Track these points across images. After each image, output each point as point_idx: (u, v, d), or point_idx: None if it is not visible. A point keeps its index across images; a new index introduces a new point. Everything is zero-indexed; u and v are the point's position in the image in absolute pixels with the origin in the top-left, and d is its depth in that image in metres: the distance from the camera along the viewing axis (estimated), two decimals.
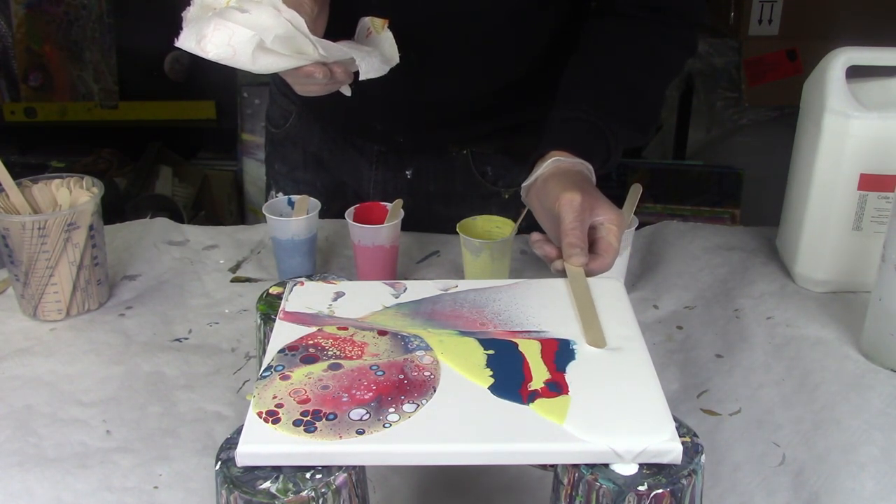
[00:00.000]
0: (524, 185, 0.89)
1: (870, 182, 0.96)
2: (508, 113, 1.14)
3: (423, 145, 1.17)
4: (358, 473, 0.59)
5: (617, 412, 0.60)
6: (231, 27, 0.78)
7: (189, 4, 0.83)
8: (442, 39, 1.01)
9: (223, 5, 0.80)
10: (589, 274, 0.79)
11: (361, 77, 0.86)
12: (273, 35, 0.79)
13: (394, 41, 0.90)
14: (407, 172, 1.19)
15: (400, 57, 0.91)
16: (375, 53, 0.88)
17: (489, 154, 1.18)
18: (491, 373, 0.64)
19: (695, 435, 0.60)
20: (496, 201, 1.20)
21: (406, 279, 1.06)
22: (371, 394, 0.62)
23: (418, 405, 0.61)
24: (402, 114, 1.12)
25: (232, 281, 1.10)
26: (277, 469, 0.57)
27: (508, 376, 0.64)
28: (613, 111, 0.95)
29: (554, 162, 0.87)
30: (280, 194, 1.26)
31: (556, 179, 0.85)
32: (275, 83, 1.27)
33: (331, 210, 1.14)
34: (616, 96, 0.96)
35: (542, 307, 0.73)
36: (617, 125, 0.94)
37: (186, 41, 0.79)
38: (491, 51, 1.05)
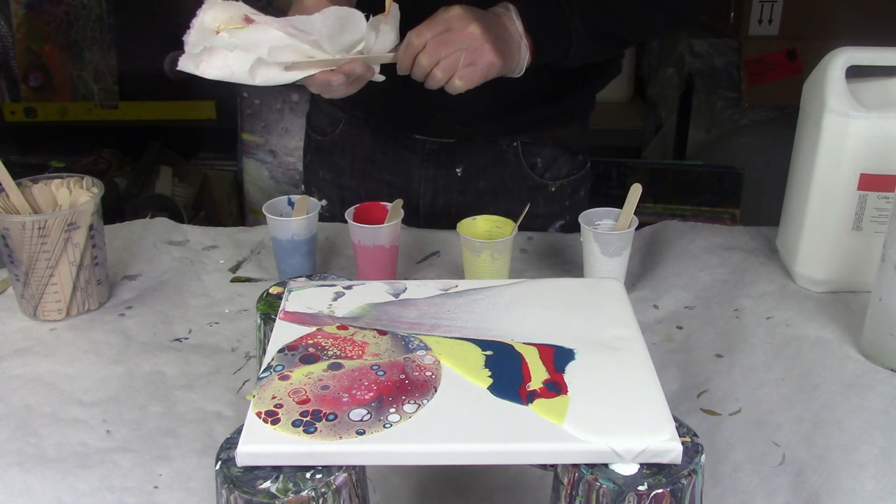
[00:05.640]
0: None
1: (870, 182, 0.96)
2: (555, 100, 1.16)
3: (477, 136, 1.18)
4: (358, 473, 0.59)
5: (617, 412, 0.60)
6: (224, 52, 0.84)
7: (189, 27, 0.88)
8: None
9: (218, 28, 0.85)
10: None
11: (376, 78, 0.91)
12: (267, 47, 0.84)
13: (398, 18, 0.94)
14: (457, 170, 1.21)
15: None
16: (388, 30, 0.92)
17: (539, 145, 1.21)
18: (490, 373, 0.64)
19: (695, 435, 0.60)
20: (543, 194, 1.22)
21: (406, 279, 1.06)
22: (372, 394, 0.62)
23: (419, 405, 0.61)
24: (457, 102, 1.10)
25: (232, 281, 1.10)
26: (277, 469, 0.58)
27: (507, 377, 0.64)
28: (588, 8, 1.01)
29: (503, 5, 0.98)
30: (325, 202, 1.26)
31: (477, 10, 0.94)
32: None
33: None
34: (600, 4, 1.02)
35: (541, 308, 0.73)
36: (589, 17, 1.00)
37: (186, 66, 0.86)
38: None
